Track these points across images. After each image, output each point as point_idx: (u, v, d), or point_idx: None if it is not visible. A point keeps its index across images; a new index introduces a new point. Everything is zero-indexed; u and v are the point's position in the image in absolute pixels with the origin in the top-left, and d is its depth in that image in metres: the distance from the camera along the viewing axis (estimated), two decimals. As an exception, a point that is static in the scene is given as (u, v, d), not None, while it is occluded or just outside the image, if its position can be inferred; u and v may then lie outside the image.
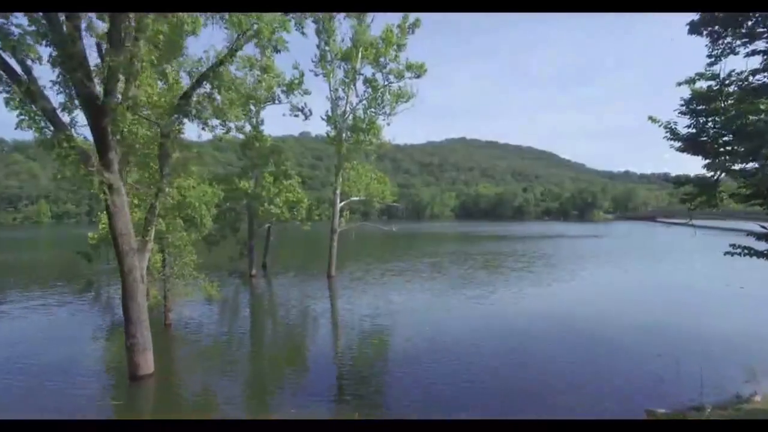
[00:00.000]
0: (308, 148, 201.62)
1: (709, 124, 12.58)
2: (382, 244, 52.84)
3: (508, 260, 32.82)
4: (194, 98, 10.89)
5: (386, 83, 25.05)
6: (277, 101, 27.22)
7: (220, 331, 14.76)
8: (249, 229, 25.57)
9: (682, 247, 46.17)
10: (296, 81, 26.97)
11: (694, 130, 12.68)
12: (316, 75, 25.60)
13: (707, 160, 12.93)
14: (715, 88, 12.21)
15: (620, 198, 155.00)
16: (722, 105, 12.26)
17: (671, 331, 14.17)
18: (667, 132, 12.87)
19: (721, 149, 12.64)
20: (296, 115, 27.15)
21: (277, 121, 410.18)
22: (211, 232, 27.14)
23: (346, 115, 25.06)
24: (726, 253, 11.79)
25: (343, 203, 25.58)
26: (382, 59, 24.72)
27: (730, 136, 12.34)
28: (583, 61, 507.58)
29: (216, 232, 26.90)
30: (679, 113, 12.71)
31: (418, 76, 24.79)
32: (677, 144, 13.08)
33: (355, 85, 25.23)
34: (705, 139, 12.69)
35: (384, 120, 25.91)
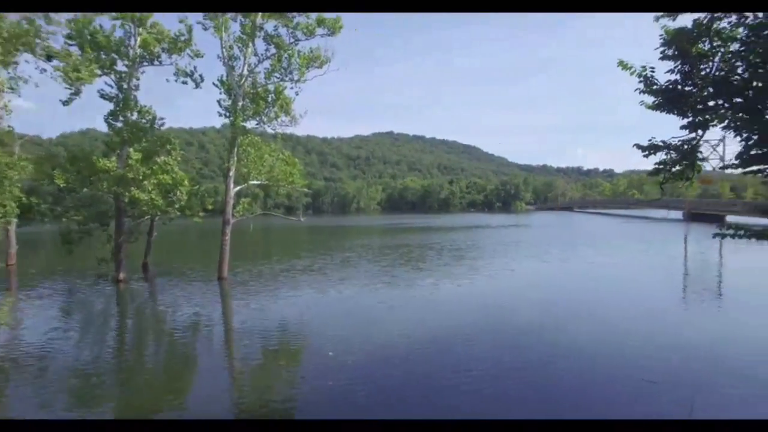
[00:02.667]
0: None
1: (695, 70, 9.77)
2: (288, 239, 48.09)
3: (430, 253, 29.69)
4: None
5: (293, 41, 20.56)
6: (157, 62, 21.81)
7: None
8: (116, 222, 19.74)
9: (615, 234, 46.25)
10: (182, 38, 21.72)
11: (678, 76, 9.71)
12: (205, 28, 20.45)
13: (686, 119, 10.10)
14: (704, 22, 9.32)
15: (540, 190, 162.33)
16: (709, 46, 9.43)
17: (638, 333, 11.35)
18: (640, 82, 9.87)
19: (700, 107, 9.91)
20: (184, 82, 21.93)
21: (196, 112, 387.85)
22: (70, 227, 21.22)
23: (243, 80, 20.15)
24: (715, 235, 9.18)
25: (238, 188, 20.66)
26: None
27: (711, 89, 9.62)
28: (507, 61, 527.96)
29: (79, 227, 21.02)
30: (660, 55, 9.73)
31: (332, 33, 20.52)
32: (650, 100, 10.13)
33: (254, 42, 20.44)
34: (690, 89, 9.80)
35: (292, 89, 21.44)
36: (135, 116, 20.54)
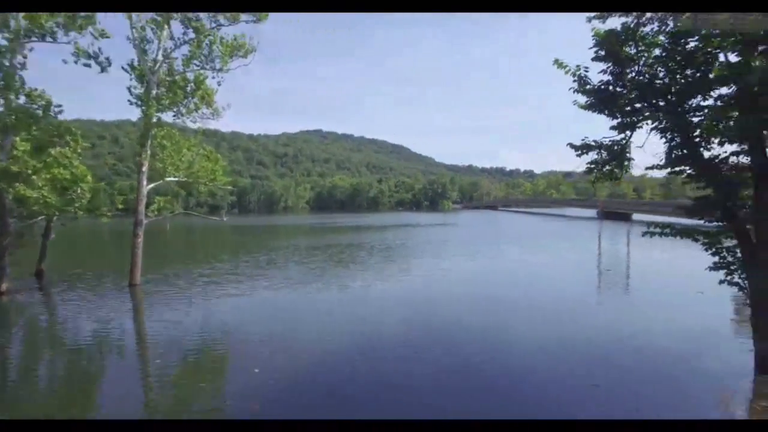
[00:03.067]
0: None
1: (624, 72, 10.03)
2: (211, 240, 45.30)
3: (361, 253, 29.14)
4: None
5: (215, 26, 18.95)
6: (50, 38, 19.06)
7: None
8: (-3, 223, 16.88)
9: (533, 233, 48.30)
10: (82, 13, 19.18)
11: (610, 77, 9.94)
12: (111, 4, 18.19)
13: (616, 120, 10.39)
14: (631, 26, 9.56)
15: (466, 189, 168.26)
16: (635, 50, 9.72)
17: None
18: (575, 81, 9.97)
19: (628, 108, 10.25)
20: (87, 65, 19.39)
21: (110, 103, 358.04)
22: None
23: (157, 65, 18.19)
24: (645, 233, 9.42)
25: (153, 185, 18.69)
26: (207, -8, 18.50)
27: (636, 92, 9.95)
28: (435, 63, 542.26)
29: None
30: (594, 55, 9.88)
31: (258, 20, 19.19)
32: (583, 100, 10.30)
33: (169, 24, 18.57)
34: (620, 90, 10.07)
35: (214, 78, 19.81)
36: (22, 100, 17.81)
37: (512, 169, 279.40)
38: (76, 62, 19.08)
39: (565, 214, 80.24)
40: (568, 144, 10.98)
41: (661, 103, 9.64)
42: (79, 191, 17.69)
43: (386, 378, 8.56)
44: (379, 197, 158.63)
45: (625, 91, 9.73)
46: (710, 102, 9.29)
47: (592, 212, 74.24)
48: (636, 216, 61.37)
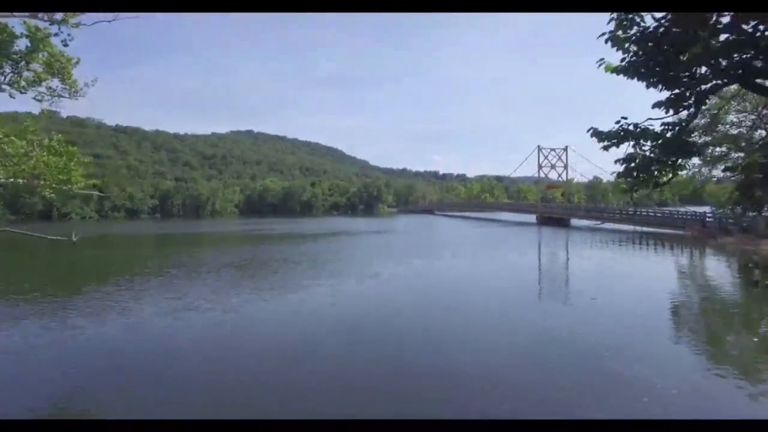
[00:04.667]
0: (58, 129, 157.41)
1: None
2: (92, 258, 32.26)
3: (292, 270, 23.98)
4: None
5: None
6: None
7: None
8: None
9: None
10: None
11: (668, 23, 6.21)
12: None
13: (670, 91, 6.56)
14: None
15: (401, 192, 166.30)
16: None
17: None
18: (609, 37, 6.35)
19: (686, 76, 6.90)
20: None
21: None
22: None
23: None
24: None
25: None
26: None
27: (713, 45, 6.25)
28: (367, 66, 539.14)
29: None
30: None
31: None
32: (620, 58, 6.55)
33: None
34: (684, 44, 6.34)
35: (57, 35, 13.81)
36: None
37: (445, 172, 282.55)
38: None
39: (504, 219, 79.22)
40: (590, 131, 7.27)
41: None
42: None
43: None
44: (312, 201, 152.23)
45: (691, 46, 6.05)
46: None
47: (530, 217, 72.54)
48: (573, 221, 61.00)
